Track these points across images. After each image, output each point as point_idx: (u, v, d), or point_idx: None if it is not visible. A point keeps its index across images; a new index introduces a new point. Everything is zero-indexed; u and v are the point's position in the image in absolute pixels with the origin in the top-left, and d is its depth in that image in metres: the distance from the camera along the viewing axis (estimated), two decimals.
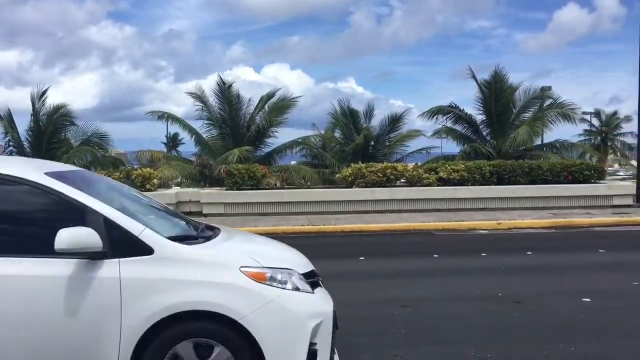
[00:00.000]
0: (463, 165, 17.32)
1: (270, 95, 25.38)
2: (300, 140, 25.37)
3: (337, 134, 27.37)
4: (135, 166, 22.61)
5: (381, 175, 16.70)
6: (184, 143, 52.63)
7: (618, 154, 52.69)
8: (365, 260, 10.13)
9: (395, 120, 26.35)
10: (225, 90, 24.53)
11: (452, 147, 26.40)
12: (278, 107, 24.88)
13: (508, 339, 5.62)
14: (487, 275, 8.57)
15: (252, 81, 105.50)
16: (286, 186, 18.79)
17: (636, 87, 18.86)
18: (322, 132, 26.93)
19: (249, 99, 25.30)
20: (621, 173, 41.04)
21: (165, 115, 25.49)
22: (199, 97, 24.62)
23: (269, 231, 14.06)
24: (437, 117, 25.62)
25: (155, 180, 16.88)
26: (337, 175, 18.57)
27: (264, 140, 25.50)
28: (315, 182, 20.59)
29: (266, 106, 25.11)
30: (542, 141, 26.49)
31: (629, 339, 5.59)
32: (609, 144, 52.87)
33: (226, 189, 17.16)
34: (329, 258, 10.75)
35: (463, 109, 25.51)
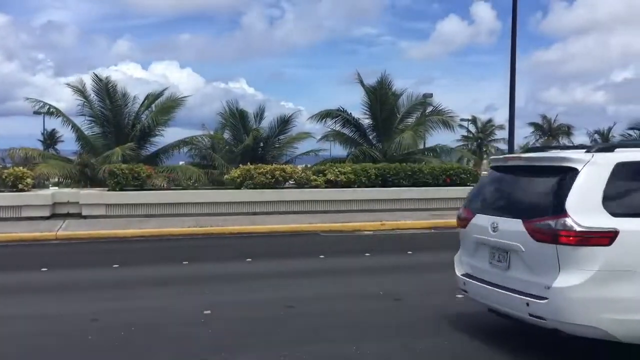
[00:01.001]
0: (350, 168, 17.75)
1: (158, 95, 24.64)
2: (187, 140, 24.81)
3: (227, 134, 27.05)
4: (7, 165, 21.06)
5: (270, 177, 16.71)
6: (62, 141, 49.75)
7: None
8: (252, 261, 10.10)
9: (284, 122, 26.48)
10: (106, 87, 23.43)
11: (341, 150, 27.01)
12: (165, 106, 24.18)
13: (386, 333, 5.87)
14: (370, 274, 8.88)
15: (139, 78, 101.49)
16: (173, 187, 18.31)
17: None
18: (212, 132, 26.51)
19: (134, 97, 24.38)
20: None
21: (46, 107, 23.90)
22: (80, 90, 23.32)
23: (155, 233, 13.64)
24: (325, 121, 26.14)
25: (29, 180, 15.82)
26: (226, 177, 18.34)
27: (150, 140, 24.66)
28: (204, 183, 20.23)
29: (153, 105, 24.34)
30: (424, 145, 27.80)
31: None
32: (484, 149, 56.57)
33: (108, 190, 16.43)
34: (216, 260, 10.65)
35: (351, 113, 26.16)
